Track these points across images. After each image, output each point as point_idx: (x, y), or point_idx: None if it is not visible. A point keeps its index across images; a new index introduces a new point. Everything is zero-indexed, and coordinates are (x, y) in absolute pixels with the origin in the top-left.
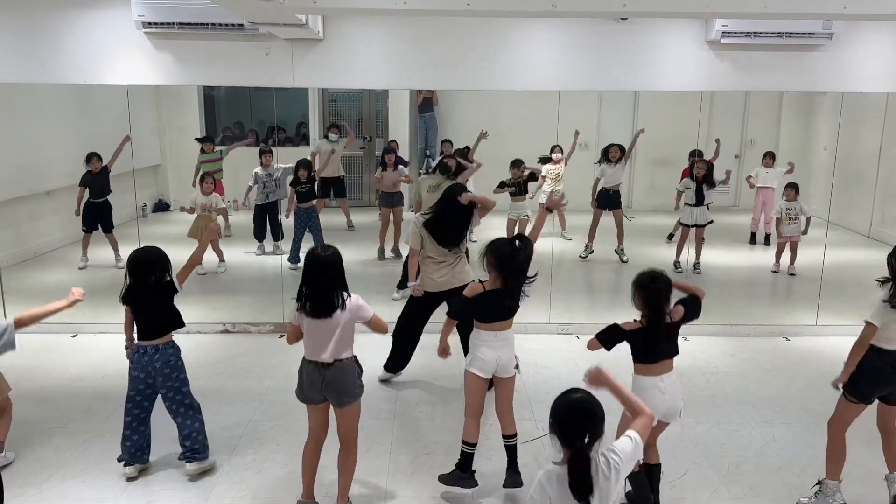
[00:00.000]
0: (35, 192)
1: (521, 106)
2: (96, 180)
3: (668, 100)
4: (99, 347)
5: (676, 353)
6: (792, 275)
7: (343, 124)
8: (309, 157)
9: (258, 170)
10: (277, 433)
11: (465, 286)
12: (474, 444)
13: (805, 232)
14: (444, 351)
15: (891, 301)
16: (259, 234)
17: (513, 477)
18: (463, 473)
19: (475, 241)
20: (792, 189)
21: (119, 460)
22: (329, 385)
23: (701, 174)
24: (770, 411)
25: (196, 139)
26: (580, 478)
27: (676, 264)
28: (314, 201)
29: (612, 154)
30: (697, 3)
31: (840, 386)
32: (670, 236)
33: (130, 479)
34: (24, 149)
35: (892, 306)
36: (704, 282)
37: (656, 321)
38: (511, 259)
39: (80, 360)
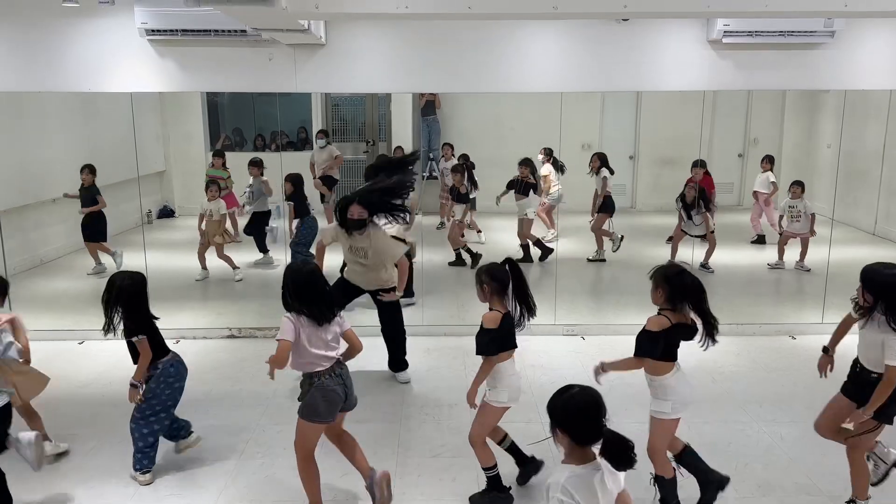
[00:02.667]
0: (41, 199)
1: (524, 107)
2: (83, 194)
3: (670, 100)
4: (105, 354)
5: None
6: (807, 270)
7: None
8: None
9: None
10: (284, 437)
11: (380, 290)
12: (496, 464)
13: (813, 232)
14: (472, 399)
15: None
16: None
17: (532, 465)
18: (501, 494)
19: (483, 243)
20: (798, 186)
21: (144, 471)
22: (350, 390)
23: (690, 198)
24: (777, 410)
25: (212, 152)
26: (625, 451)
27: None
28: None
29: (593, 164)
30: (698, 3)
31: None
32: (669, 238)
33: (148, 484)
34: (30, 157)
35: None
36: (711, 281)
37: (681, 319)
38: (517, 278)
39: (87, 367)
